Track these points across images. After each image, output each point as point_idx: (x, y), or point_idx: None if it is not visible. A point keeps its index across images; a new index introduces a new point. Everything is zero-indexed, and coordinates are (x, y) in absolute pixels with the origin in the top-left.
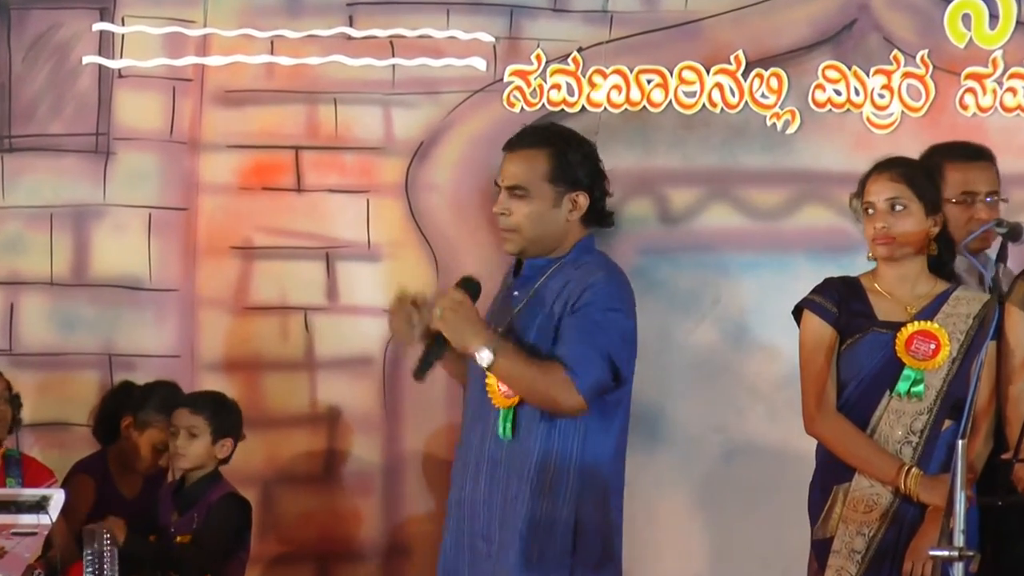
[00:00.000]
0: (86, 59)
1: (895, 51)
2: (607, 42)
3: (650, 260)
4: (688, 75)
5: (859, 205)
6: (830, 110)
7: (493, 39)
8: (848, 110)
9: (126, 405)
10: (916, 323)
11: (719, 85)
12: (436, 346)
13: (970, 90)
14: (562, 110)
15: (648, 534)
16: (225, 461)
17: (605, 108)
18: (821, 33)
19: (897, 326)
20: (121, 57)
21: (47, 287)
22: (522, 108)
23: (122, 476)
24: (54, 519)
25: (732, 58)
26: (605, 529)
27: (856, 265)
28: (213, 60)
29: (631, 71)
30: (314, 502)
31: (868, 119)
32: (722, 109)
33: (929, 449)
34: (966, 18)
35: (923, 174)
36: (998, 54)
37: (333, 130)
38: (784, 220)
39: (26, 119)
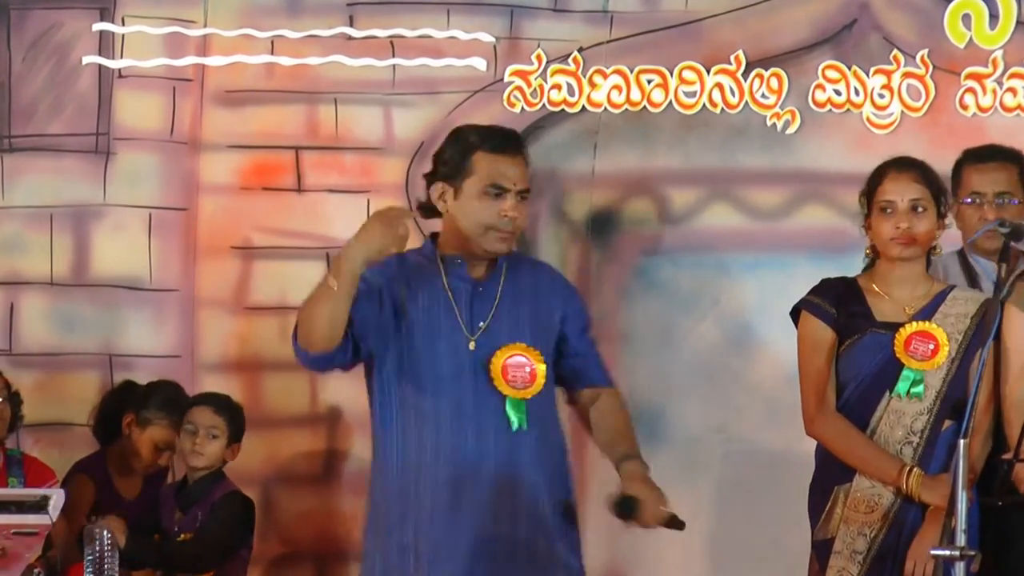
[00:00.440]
0: (86, 59)
1: (895, 51)
2: (607, 42)
3: (650, 260)
4: (688, 75)
5: (866, 203)
6: (830, 110)
7: (493, 39)
8: (848, 110)
9: (127, 404)
10: (915, 323)
11: (719, 85)
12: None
13: (970, 90)
14: (562, 110)
15: (647, 534)
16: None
17: (605, 108)
18: (821, 33)
19: (896, 327)
20: (121, 57)
21: (47, 287)
22: (522, 108)
23: (121, 476)
24: (54, 519)
25: (732, 58)
26: None
27: (856, 265)
28: (213, 60)
29: (631, 71)
30: (314, 502)
31: (868, 119)
32: (722, 109)
33: (929, 449)
34: (966, 18)
35: (936, 176)
36: (998, 54)
37: (333, 130)
38: (784, 220)
39: (26, 119)
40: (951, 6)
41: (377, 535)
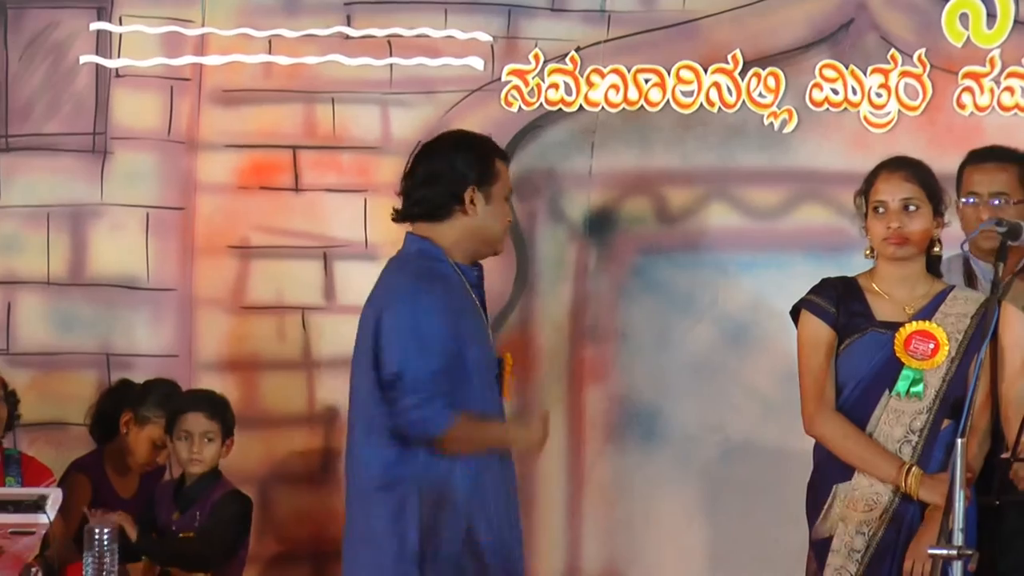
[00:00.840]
0: (83, 58)
1: (892, 50)
2: (605, 41)
3: (648, 259)
4: (686, 74)
5: (863, 203)
6: (827, 109)
7: (491, 38)
8: (845, 109)
9: (125, 403)
10: (915, 323)
11: (717, 84)
12: None
13: (967, 89)
14: (560, 109)
15: (646, 534)
16: None
17: (603, 108)
18: (818, 32)
19: (896, 326)
20: (118, 56)
21: (44, 286)
22: (520, 108)
23: (118, 475)
24: (52, 518)
25: (729, 57)
26: None
27: (854, 264)
28: (211, 59)
29: (629, 71)
30: (311, 501)
31: (865, 118)
32: (720, 108)
33: (928, 448)
34: (963, 17)
35: (931, 175)
36: (995, 53)
37: (331, 129)
38: (782, 219)
39: (23, 118)
40: (948, 5)
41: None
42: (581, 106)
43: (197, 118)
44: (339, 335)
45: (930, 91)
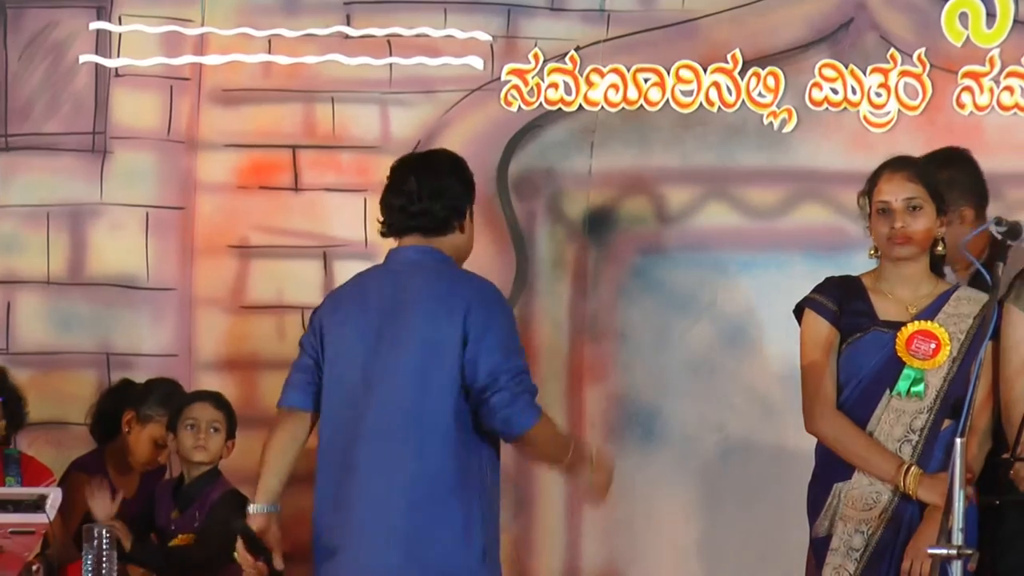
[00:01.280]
0: (83, 58)
1: (892, 50)
2: (604, 41)
3: (647, 259)
4: (685, 74)
5: (867, 203)
6: (827, 109)
7: (490, 38)
8: (845, 109)
9: (126, 402)
10: (917, 322)
11: (716, 84)
12: None
13: (967, 88)
14: (559, 109)
15: (645, 533)
16: None
17: (602, 107)
18: (818, 32)
19: (898, 325)
20: (118, 56)
21: (44, 286)
22: (519, 107)
23: (119, 475)
24: (52, 518)
25: (729, 57)
26: None
27: (853, 264)
28: (210, 59)
29: (628, 70)
30: (310, 501)
31: (865, 118)
32: (719, 108)
33: (929, 448)
34: (963, 16)
35: (934, 175)
36: (995, 52)
37: (330, 129)
38: (781, 219)
39: (22, 118)
40: (948, 5)
41: None
42: (580, 106)
43: (197, 118)
44: None
45: (930, 91)
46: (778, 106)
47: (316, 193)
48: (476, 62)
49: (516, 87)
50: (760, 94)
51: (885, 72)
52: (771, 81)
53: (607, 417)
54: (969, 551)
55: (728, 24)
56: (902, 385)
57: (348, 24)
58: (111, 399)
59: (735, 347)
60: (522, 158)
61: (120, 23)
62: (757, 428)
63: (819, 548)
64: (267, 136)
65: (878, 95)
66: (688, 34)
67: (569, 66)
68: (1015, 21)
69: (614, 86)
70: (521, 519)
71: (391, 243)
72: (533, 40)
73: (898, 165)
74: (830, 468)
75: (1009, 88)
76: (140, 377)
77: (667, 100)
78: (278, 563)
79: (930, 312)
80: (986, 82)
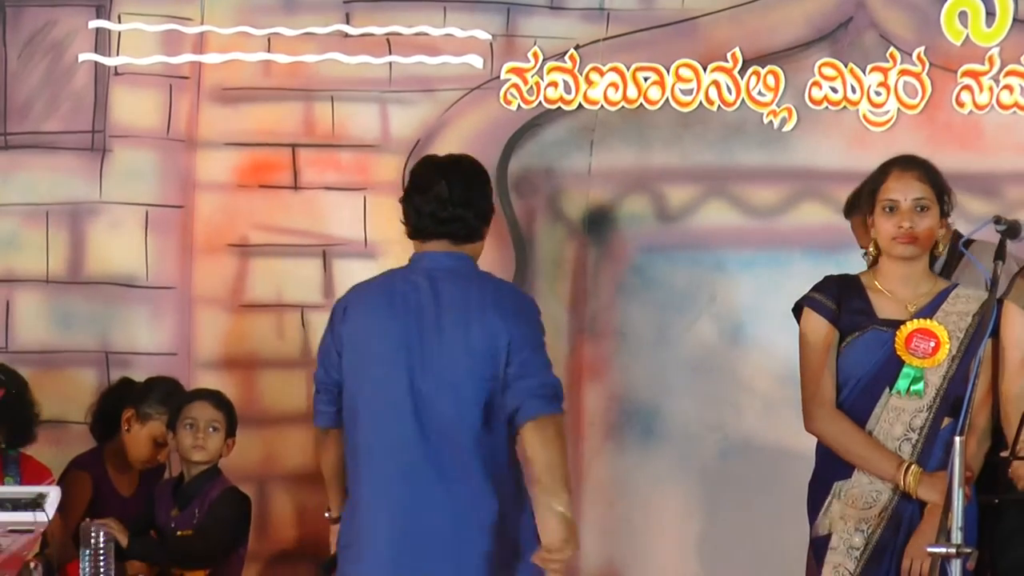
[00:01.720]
0: (82, 56)
1: (891, 48)
2: (604, 39)
3: (647, 258)
4: (685, 72)
5: (869, 201)
6: (826, 107)
7: (490, 36)
8: (844, 107)
9: (125, 400)
10: (916, 321)
11: (716, 83)
12: None
13: (966, 87)
14: (559, 108)
15: (645, 532)
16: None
17: (602, 106)
18: (817, 31)
19: (897, 324)
20: (117, 54)
21: (43, 284)
22: (519, 106)
23: (119, 473)
24: (51, 516)
25: (729, 56)
26: None
27: (852, 262)
28: (210, 58)
29: (628, 68)
30: (310, 500)
31: (864, 116)
32: (719, 107)
33: (928, 446)
34: (963, 15)
35: (940, 175)
36: (995, 51)
37: (330, 128)
38: (781, 217)
39: (22, 116)
40: (947, 3)
41: None
42: (580, 104)
43: (196, 116)
44: None
45: (929, 89)
46: (778, 105)
47: (315, 192)
48: (476, 61)
49: (516, 86)
50: (760, 93)
51: (885, 71)
52: (771, 80)
53: (607, 416)
54: (968, 549)
55: (728, 23)
56: (901, 383)
57: (347, 23)
58: (111, 398)
59: (735, 346)
60: (522, 157)
61: (119, 22)
62: (757, 427)
63: (819, 547)
64: (266, 135)
65: (878, 94)
66: (688, 33)
67: (569, 65)
68: (1014, 20)
69: (614, 85)
70: None
71: (391, 242)
72: (533, 39)
73: (908, 164)
74: (830, 467)
75: (1008, 87)
76: (140, 376)
77: (667, 99)
78: None
79: (929, 310)
80: (985, 81)
